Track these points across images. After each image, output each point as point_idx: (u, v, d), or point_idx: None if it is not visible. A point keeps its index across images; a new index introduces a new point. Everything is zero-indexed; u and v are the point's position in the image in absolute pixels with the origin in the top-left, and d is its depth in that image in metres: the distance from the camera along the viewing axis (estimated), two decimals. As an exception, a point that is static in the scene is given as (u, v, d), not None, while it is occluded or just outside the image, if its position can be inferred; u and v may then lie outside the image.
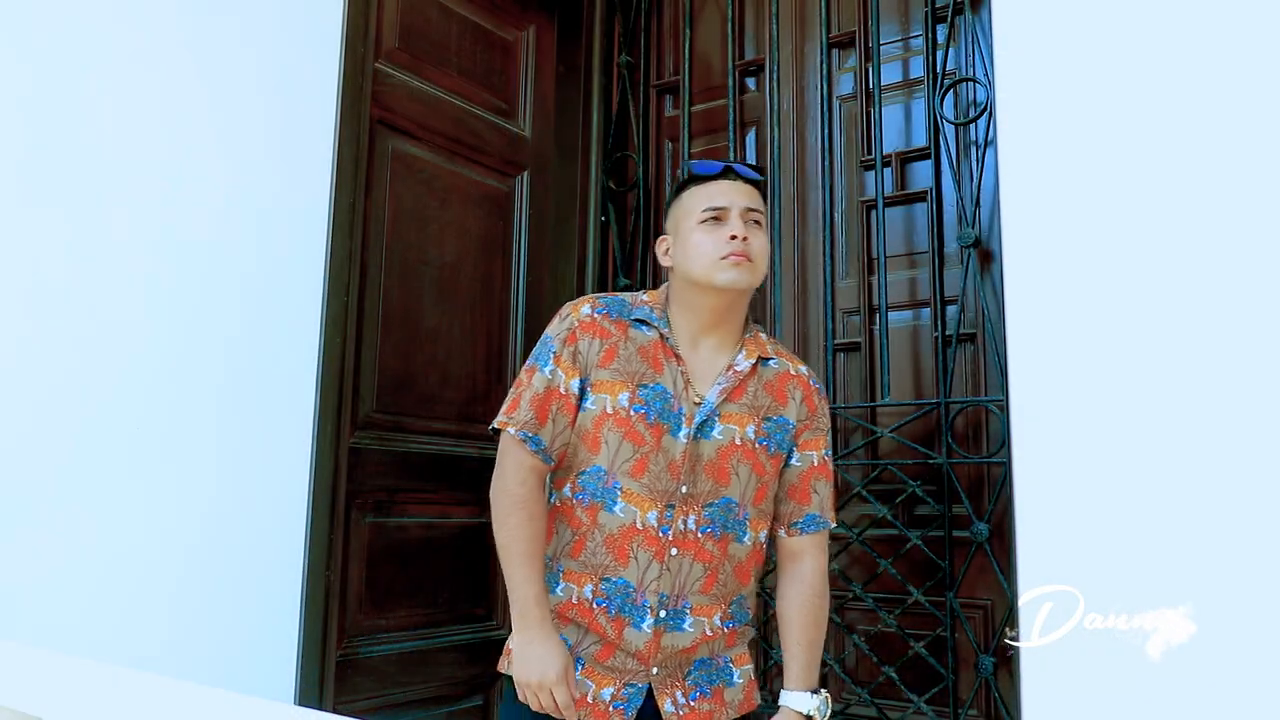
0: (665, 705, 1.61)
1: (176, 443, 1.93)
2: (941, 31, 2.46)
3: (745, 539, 1.66)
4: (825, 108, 2.58)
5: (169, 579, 1.90)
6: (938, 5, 2.46)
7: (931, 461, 2.27)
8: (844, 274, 2.58)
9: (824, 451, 1.75)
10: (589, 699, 1.59)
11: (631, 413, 1.62)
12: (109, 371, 1.83)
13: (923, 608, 2.25)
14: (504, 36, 2.80)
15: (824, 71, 2.60)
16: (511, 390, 1.68)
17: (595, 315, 1.68)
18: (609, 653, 1.61)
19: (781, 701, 1.67)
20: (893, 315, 2.46)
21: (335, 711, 2.11)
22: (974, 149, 2.40)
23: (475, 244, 2.67)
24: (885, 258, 2.42)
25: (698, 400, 1.65)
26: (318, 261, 2.19)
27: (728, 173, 1.68)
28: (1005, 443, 2.12)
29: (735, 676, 1.68)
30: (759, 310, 2.70)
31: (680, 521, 1.61)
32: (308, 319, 2.16)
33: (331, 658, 2.17)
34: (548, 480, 1.70)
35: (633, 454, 1.62)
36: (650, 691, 1.61)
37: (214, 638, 1.95)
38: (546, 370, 1.66)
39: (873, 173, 2.51)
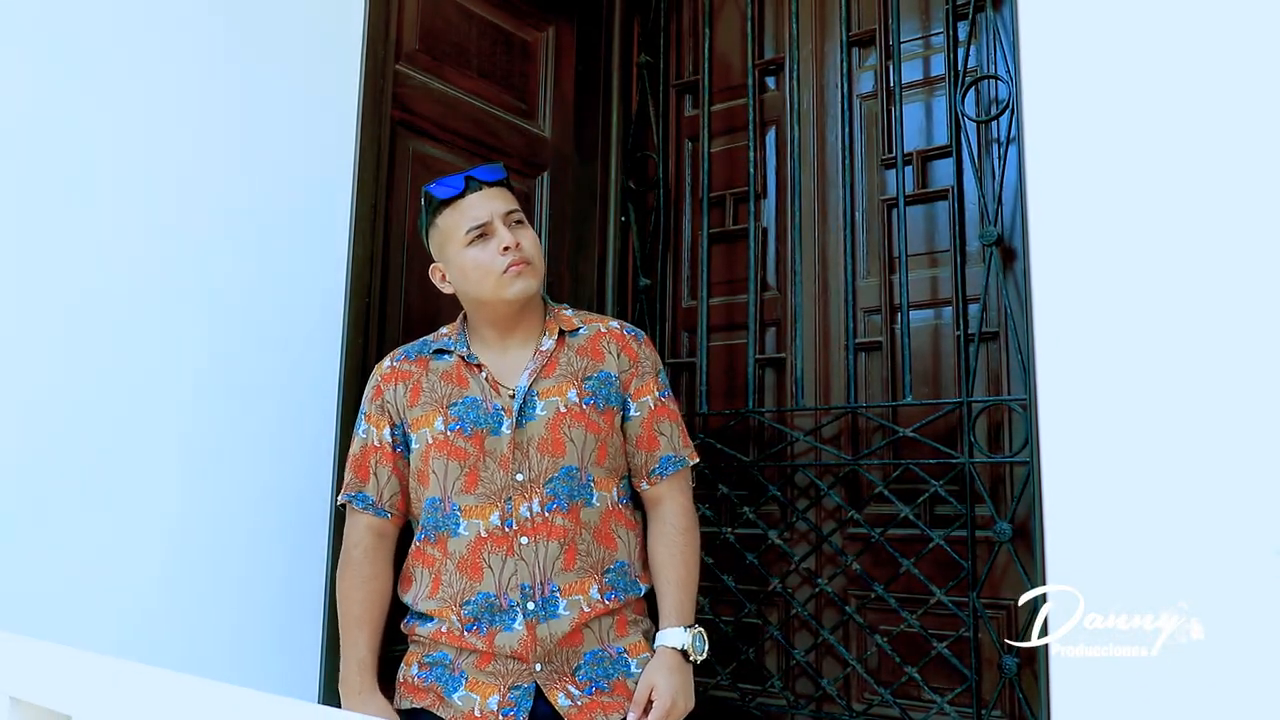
0: (559, 699, 1.61)
1: (200, 443, 1.94)
2: (962, 29, 2.44)
3: (594, 501, 1.68)
4: (846, 106, 2.57)
5: (193, 579, 1.91)
6: (958, 2, 2.44)
7: (953, 461, 2.26)
8: (865, 273, 2.57)
9: (658, 394, 1.78)
10: (475, 712, 1.59)
11: (448, 433, 1.67)
12: (133, 373, 1.85)
13: (945, 608, 2.24)
14: (524, 38, 2.81)
15: (844, 70, 2.59)
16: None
17: (394, 364, 1.77)
18: (488, 659, 1.62)
19: (657, 641, 1.69)
20: (914, 314, 2.44)
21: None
22: (996, 146, 2.39)
23: (496, 245, 2.67)
24: (906, 256, 2.41)
25: (511, 393, 1.68)
26: (339, 263, 2.20)
27: (471, 184, 1.70)
28: (1028, 442, 2.11)
29: (633, 666, 1.68)
30: (779, 309, 2.69)
31: (524, 509, 1.63)
32: (330, 320, 2.17)
33: (354, 657, 2.18)
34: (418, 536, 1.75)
35: (460, 471, 1.65)
36: (540, 691, 1.61)
37: (238, 637, 1.97)
38: (361, 432, 1.75)
39: (894, 171, 2.50)
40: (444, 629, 1.64)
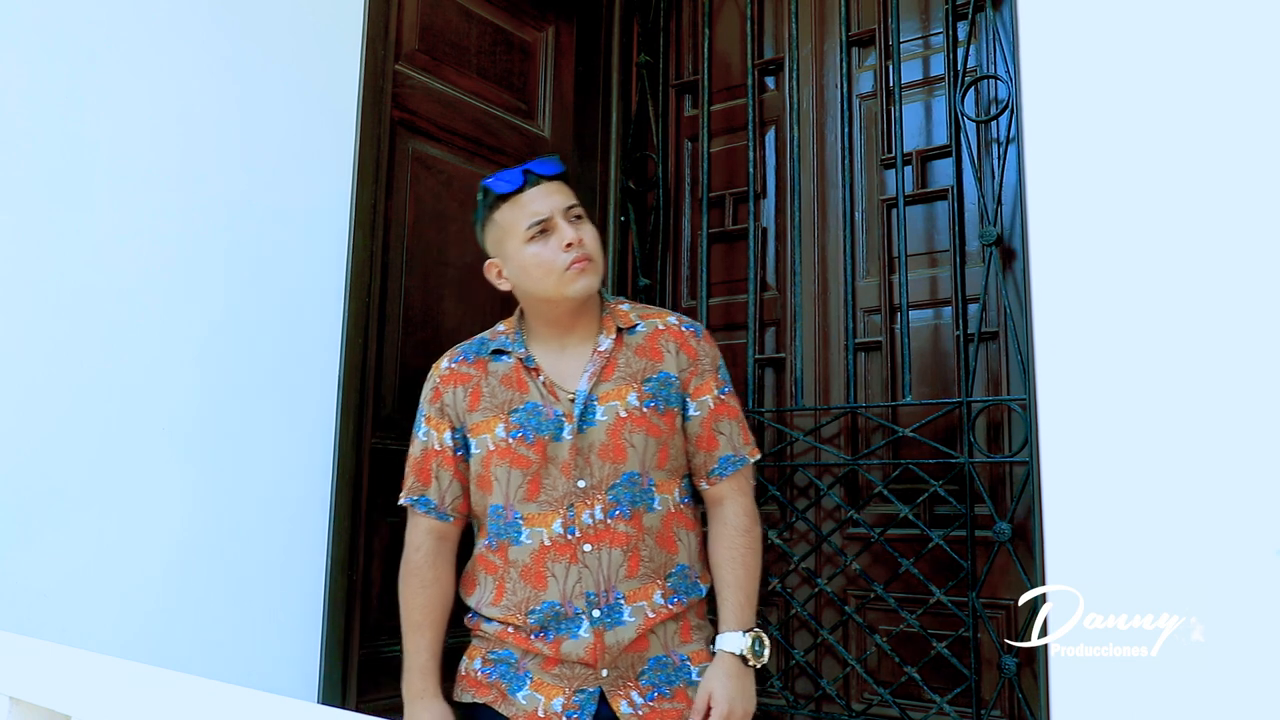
0: (620, 707, 1.58)
1: (199, 443, 1.94)
2: (962, 28, 2.44)
3: (656, 505, 1.65)
4: (845, 106, 2.57)
5: (192, 579, 1.91)
6: (958, 2, 2.44)
7: (953, 461, 2.26)
8: (865, 273, 2.58)
9: (718, 392, 1.73)
10: (539, 713, 1.58)
11: (510, 440, 1.63)
12: (133, 372, 1.85)
13: (945, 608, 2.24)
14: (523, 38, 2.81)
15: (844, 70, 2.59)
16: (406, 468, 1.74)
17: (453, 365, 1.73)
18: (554, 662, 1.60)
19: (715, 645, 1.65)
20: (914, 314, 2.45)
21: (358, 710, 2.12)
22: (995, 146, 2.39)
23: (495, 244, 2.68)
24: (906, 256, 2.41)
25: (571, 397, 1.65)
26: (339, 262, 2.20)
27: (530, 179, 1.66)
28: (1028, 442, 2.11)
29: (694, 674, 1.66)
30: (779, 309, 2.69)
31: (586, 516, 1.60)
32: (329, 319, 2.17)
33: (354, 657, 2.18)
34: (475, 533, 1.74)
35: (523, 479, 1.62)
36: (604, 696, 1.60)
37: (238, 637, 1.97)
38: (421, 434, 1.72)
39: (893, 171, 2.50)
40: (510, 629, 1.63)
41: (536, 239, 1.63)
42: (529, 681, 1.60)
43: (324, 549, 2.11)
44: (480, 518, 1.70)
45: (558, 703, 1.58)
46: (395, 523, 2.35)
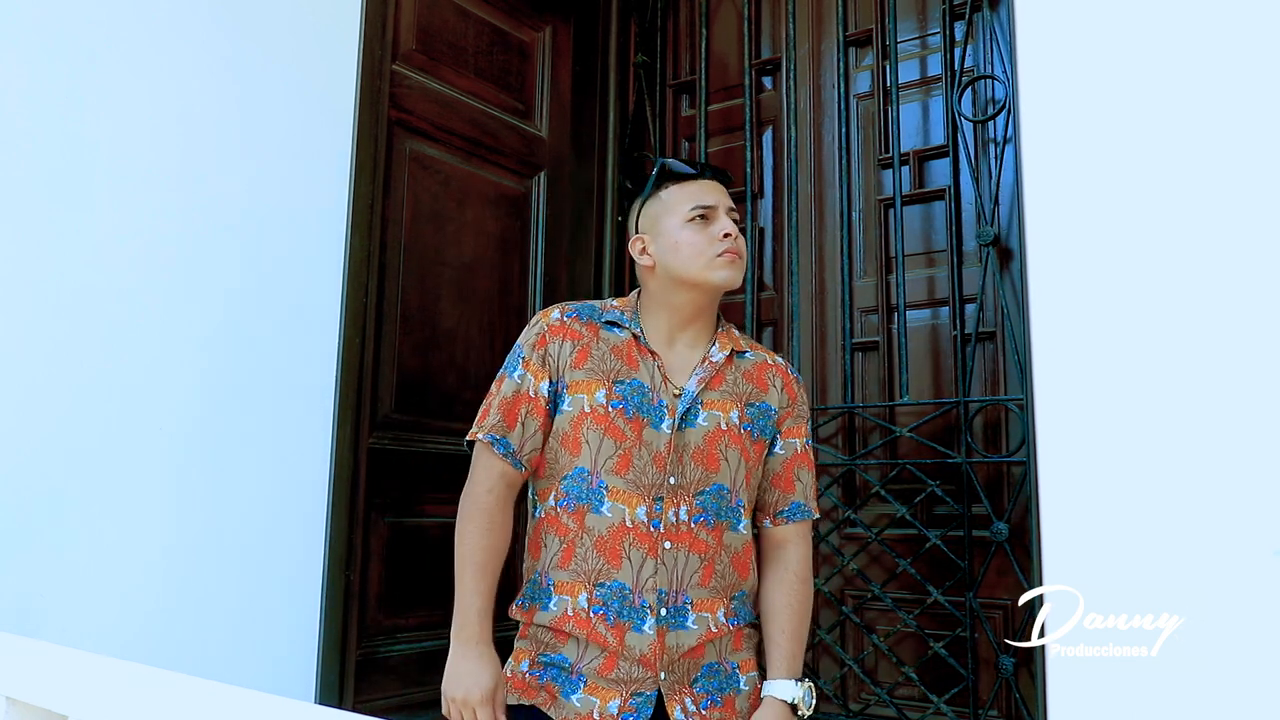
0: (675, 713, 1.57)
1: (198, 443, 1.94)
2: (959, 29, 2.45)
3: (740, 527, 1.64)
4: (842, 106, 2.57)
5: (190, 579, 1.91)
6: (955, 2, 2.45)
7: (950, 461, 2.26)
8: (862, 273, 2.58)
9: (805, 440, 1.75)
10: (594, 715, 1.56)
11: (610, 409, 1.61)
12: (132, 372, 1.85)
13: (942, 608, 2.24)
14: (521, 38, 2.81)
15: (841, 70, 2.59)
16: (484, 402, 1.67)
17: (565, 319, 1.68)
18: (612, 664, 1.57)
19: (765, 691, 1.64)
20: (911, 314, 2.45)
21: (355, 710, 2.12)
22: (993, 146, 2.39)
23: (493, 244, 2.68)
24: (903, 256, 2.41)
25: (677, 392, 1.64)
26: (336, 262, 2.20)
27: (705, 171, 1.70)
28: (1025, 442, 2.11)
29: (742, 683, 1.65)
30: (776, 309, 2.69)
31: (671, 513, 1.59)
32: (327, 319, 2.17)
33: (351, 657, 2.18)
34: (532, 495, 1.70)
35: (614, 450, 1.60)
36: (659, 700, 1.58)
37: (235, 637, 1.96)
38: (515, 375, 1.66)
39: (890, 171, 2.50)
40: (570, 610, 1.58)
41: (696, 222, 1.66)
42: (583, 685, 1.57)
43: (321, 549, 2.11)
44: (553, 479, 1.65)
45: (614, 705, 1.55)
46: (393, 522, 2.35)
